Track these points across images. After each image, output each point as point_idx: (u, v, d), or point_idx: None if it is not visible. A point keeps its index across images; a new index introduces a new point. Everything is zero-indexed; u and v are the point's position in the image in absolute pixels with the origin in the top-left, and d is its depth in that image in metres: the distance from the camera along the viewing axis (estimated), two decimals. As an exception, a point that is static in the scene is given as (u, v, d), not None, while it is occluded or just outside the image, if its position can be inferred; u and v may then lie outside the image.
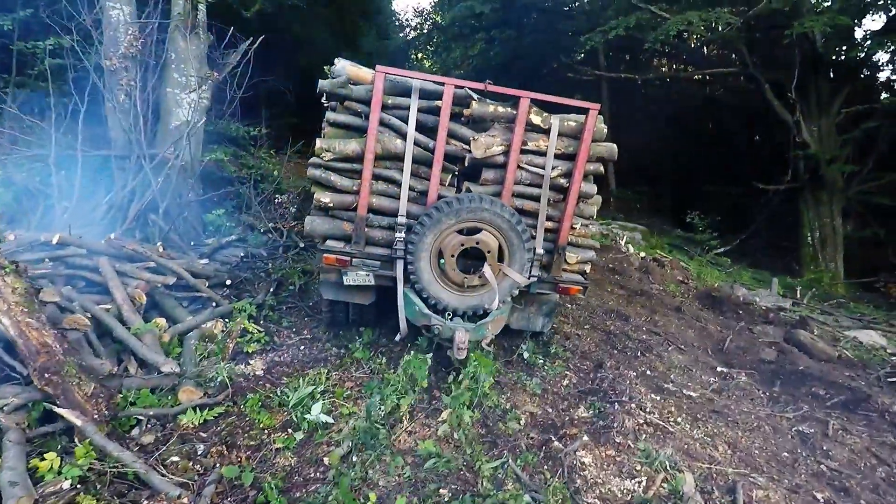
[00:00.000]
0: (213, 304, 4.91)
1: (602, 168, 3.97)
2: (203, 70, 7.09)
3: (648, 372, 5.27)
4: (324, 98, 3.92)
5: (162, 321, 4.18)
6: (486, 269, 3.66)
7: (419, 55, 21.74)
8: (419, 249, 3.58)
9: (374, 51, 17.75)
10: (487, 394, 3.68)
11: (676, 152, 20.60)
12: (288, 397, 3.50)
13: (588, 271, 4.17)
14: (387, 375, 3.77)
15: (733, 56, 15.88)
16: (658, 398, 4.55)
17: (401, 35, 21.23)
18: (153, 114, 6.85)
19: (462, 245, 3.62)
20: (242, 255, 6.40)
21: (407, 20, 21.20)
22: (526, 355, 4.79)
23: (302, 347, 4.71)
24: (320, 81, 3.71)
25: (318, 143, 3.64)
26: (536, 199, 3.87)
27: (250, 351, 4.37)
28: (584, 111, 3.68)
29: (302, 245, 7.19)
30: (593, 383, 4.54)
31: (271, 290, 5.63)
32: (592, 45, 12.87)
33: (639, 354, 5.82)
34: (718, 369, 5.92)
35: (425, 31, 20.80)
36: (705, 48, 15.94)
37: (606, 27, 11.93)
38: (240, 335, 4.44)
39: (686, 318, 7.71)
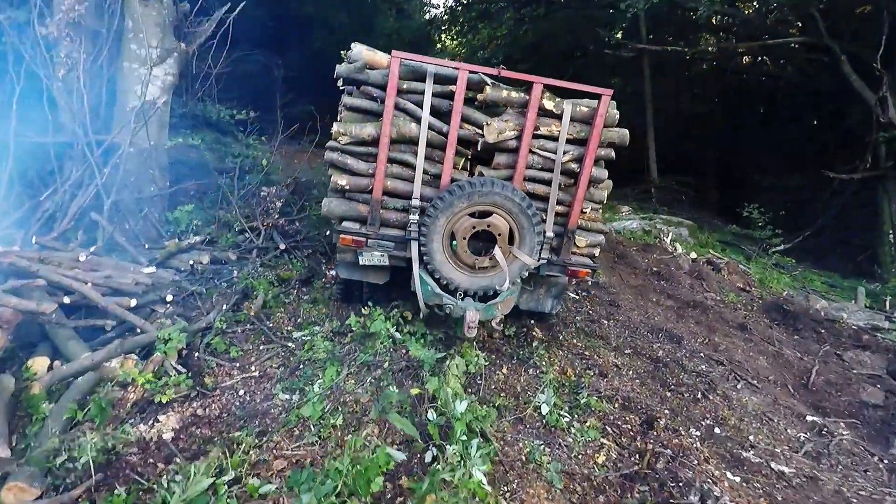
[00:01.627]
0: (138, 330, 3.68)
1: (613, 153, 3.95)
2: (168, 41, 5.87)
3: (717, 429, 3.79)
4: (340, 82, 3.92)
5: (40, 363, 2.97)
6: (497, 252, 3.71)
7: (442, 37, 20.16)
8: (432, 231, 3.64)
9: (394, 32, 16.39)
10: (478, 492, 2.30)
11: (726, 137, 18.42)
12: (169, 498, 2.20)
13: (597, 255, 4.20)
14: (328, 464, 2.43)
15: (797, 26, 13.72)
16: (738, 480, 3.08)
17: (423, 15, 19.65)
18: (109, 93, 5.67)
19: (474, 228, 3.66)
20: (205, 260, 5.18)
21: None
22: (545, 410, 3.38)
23: (242, 392, 3.45)
24: (337, 66, 3.75)
25: (335, 126, 3.67)
26: (548, 183, 3.87)
27: (165, 401, 3.13)
28: (597, 97, 3.65)
29: (283, 246, 5.96)
30: (641, 459, 3.09)
31: (226, 306, 4.38)
32: (634, 13, 11.07)
33: (699, 396, 4.33)
34: (809, 418, 4.37)
35: (448, 9, 19.21)
36: (766, 15, 13.72)
37: (651, -9, 10.16)
38: (155, 378, 3.18)
39: (754, 340, 6.10)
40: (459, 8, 19.11)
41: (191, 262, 4.86)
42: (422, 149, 3.67)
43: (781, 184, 15.24)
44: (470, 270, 3.83)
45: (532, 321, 5.14)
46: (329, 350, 4.05)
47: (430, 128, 3.67)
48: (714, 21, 16.13)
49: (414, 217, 3.70)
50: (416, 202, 3.71)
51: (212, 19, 6.34)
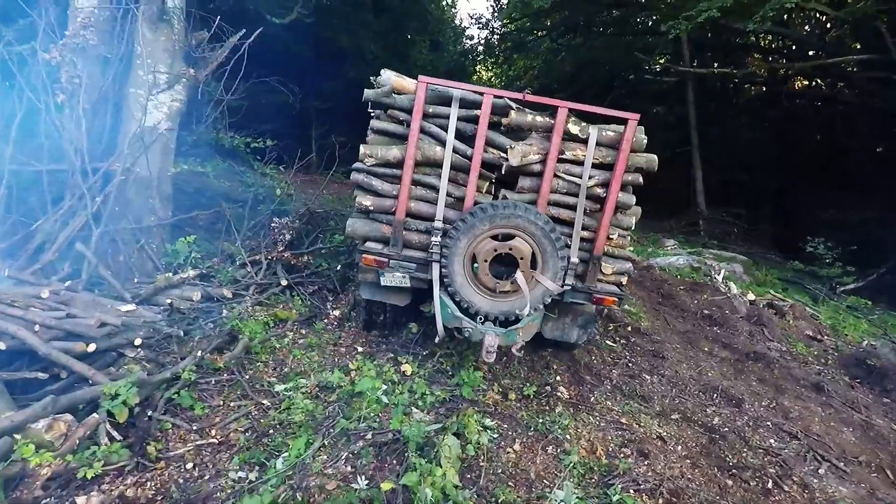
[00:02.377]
0: (90, 383, 3.13)
1: (641, 179, 3.84)
2: (177, 67, 5.58)
3: (800, 541, 2.79)
4: (369, 107, 3.94)
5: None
6: (519, 276, 3.63)
7: (478, 67, 19.89)
8: (453, 253, 3.61)
9: (428, 64, 16.19)
10: None
11: (779, 167, 16.99)
12: None
13: (624, 283, 4.04)
14: None
15: (856, 44, 12.49)
16: None
17: (457, 47, 19.49)
18: (116, 120, 5.41)
19: (495, 250, 3.60)
20: (196, 296, 4.67)
21: (463, 29, 19.38)
22: (564, 512, 2.54)
23: (191, 465, 2.80)
24: (366, 91, 3.81)
25: (362, 148, 3.73)
26: (573, 208, 3.79)
27: (90, 476, 2.49)
28: (624, 121, 3.59)
29: (285, 282, 5.39)
30: None
31: (204, 352, 3.79)
32: (677, 35, 10.28)
33: (770, 485, 3.35)
34: (922, 523, 3.27)
35: (483, 41, 18.99)
36: (823, 34, 12.58)
37: (695, 10, 9.37)
38: (83, 445, 2.58)
39: (833, 405, 5.00)
40: (495, 39, 18.85)
41: (168, 301, 4.32)
42: (446, 171, 3.67)
43: (846, 217, 13.67)
44: (491, 294, 3.72)
45: (558, 378, 4.30)
46: (309, 411, 3.37)
47: (455, 151, 3.68)
48: (762, 43, 15.08)
49: (436, 239, 3.66)
50: (438, 224, 3.69)
51: (225, 45, 6.03)
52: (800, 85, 17.64)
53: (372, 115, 3.96)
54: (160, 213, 5.57)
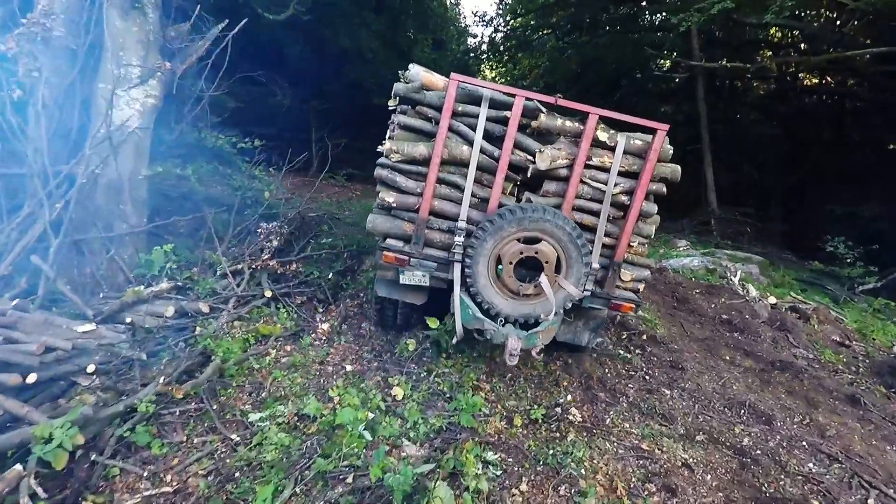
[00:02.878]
0: (26, 422, 2.66)
1: (664, 189, 3.83)
2: (151, 60, 5.12)
3: None
4: (393, 102, 3.94)
5: None
6: (543, 279, 3.60)
7: (482, 67, 19.34)
8: (478, 254, 3.56)
9: (430, 63, 15.68)
10: None
11: (789, 163, 16.41)
12: None
13: (641, 290, 4.01)
14: None
15: (866, 42, 11.91)
16: None
17: (461, 45, 18.96)
18: (86, 118, 4.95)
19: (521, 253, 3.56)
20: (169, 312, 4.21)
21: (466, 27, 18.87)
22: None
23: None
24: (395, 85, 3.76)
25: (388, 144, 3.65)
26: (596, 214, 3.76)
27: None
28: (652, 131, 3.58)
29: (269, 293, 4.91)
30: None
31: (167, 379, 3.31)
32: (687, 28, 9.76)
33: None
34: None
35: (488, 39, 18.49)
36: (841, 26, 12.01)
37: (707, 2, 8.84)
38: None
39: (872, 419, 4.50)
40: (499, 37, 18.35)
41: (128, 320, 3.84)
42: (472, 171, 3.61)
43: (857, 212, 13.08)
44: (513, 297, 3.70)
45: (569, 397, 3.80)
46: (284, 447, 2.88)
47: (482, 151, 3.63)
48: (773, 38, 14.52)
49: (459, 239, 3.62)
50: (462, 224, 3.64)
51: (206, 37, 5.57)
52: (809, 82, 17.07)
53: (397, 110, 3.91)
54: (132, 219, 5.11)
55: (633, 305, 3.88)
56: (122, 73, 5.02)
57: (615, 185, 3.67)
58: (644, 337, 5.48)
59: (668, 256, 9.34)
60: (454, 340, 3.75)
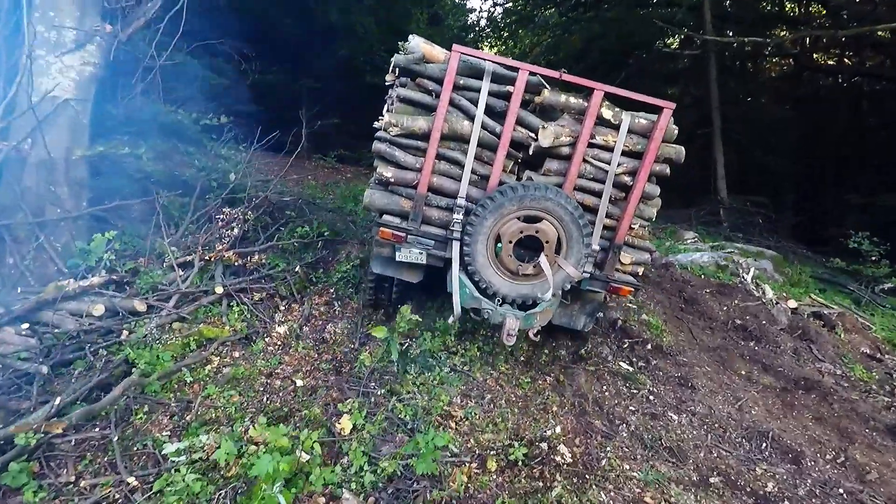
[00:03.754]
0: None
1: (668, 170, 3.65)
2: (89, 22, 4.42)
3: None
4: (391, 76, 3.81)
5: None
6: (543, 259, 3.48)
7: (481, 45, 18.32)
8: (477, 232, 3.43)
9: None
10: None
11: (802, 149, 15.46)
12: None
13: (641, 273, 3.90)
14: None
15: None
16: None
17: (457, 21, 17.92)
18: (8, 86, 4.26)
19: (521, 232, 3.43)
20: (98, 311, 3.56)
21: (464, 1, 17.79)
22: None
23: None
24: (395, 56, 3.58)
25: (386, 116, 3.48)
26: (597, 194, 3.62)
27: None
28: (658, 109, 3.42)
29: (220, 289, 4.25)
30: None
31: (73, 397, 2.66)
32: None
33: None
34: None
35: (486, 13, 17.44)
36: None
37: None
38: None
39: (918, 456, 3.76)
40: (499, 13, 17.29)
41: (24, 326, 3.19)
42: (473, 147, 3.48)
43: (874, 201, 12.21)
44: (512, 276, 3.61)
45: (558, 428, 3.13)
46: (191, 496, 2.21)
47: (484, 127, 3.48)
48: (791, 12, 13.47)
49: (458, 216, 3.52)
50: (461, 201, 3.54)
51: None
52: (824, 62, 16.00)
53: (396, 83, 3.75)
54: (68, 203, 4.43)
55: (632, 289, 3.79)
56: (54, 36, 4.29)
57: (618, 164, 3.52)
58: (649, 346, 4.79)
59: (675, 250, 8.60)
60: (450, 320, 3.70)
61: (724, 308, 6.31)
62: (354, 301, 4.94)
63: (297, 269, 5.14)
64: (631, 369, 4.41)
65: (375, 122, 3.62)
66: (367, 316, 4.64)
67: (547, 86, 3.50)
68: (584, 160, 3.53)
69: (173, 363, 3.35)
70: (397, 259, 3.73)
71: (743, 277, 7.66)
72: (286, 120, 12.69)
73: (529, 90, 3.48)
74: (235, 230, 5.06)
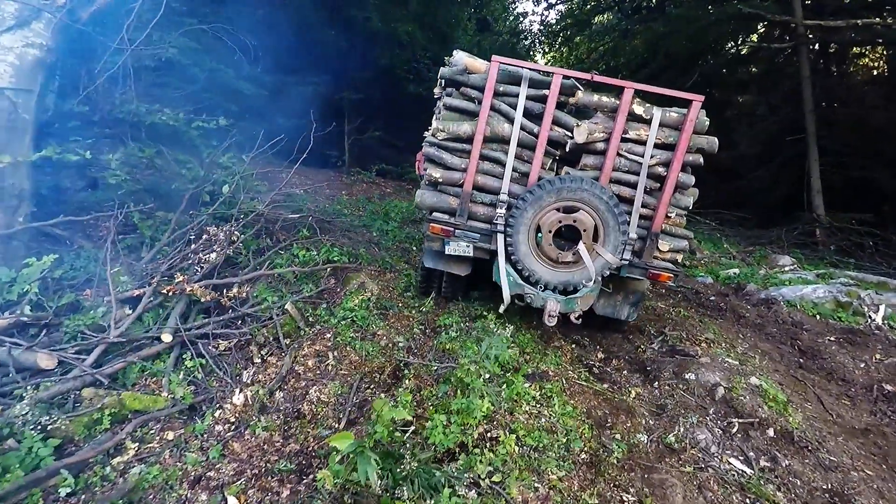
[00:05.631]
0: None
1: (701, 159, 3.92)
2: (36, -5, 3.54)
3: None
4: (438, 89, 4.31)
5: None
6: (581, 247, 3.79)
7: (531, 52, 16.86)
8: (519, 223, 3.81)
9: (473, 46, 13.66)
10: None
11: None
12: None
13: (679, 260, 4.13)
14: None
15: None
16: None
17: (506, 24, 16.59)
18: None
19: (560, 222, 3.79)
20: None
21: (514, 4, 16.45)
22: None
23: None
24: (441, 69, 4.07)
25: (434, 123, 4.01)
26: (633, 186, 3.94)
27: None
28: (688, 103, 3.73)
29: (168, 338, 3.04)
30: None
31: None
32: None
33: None
34: None
35: (540, 18, 16.08)
36: None
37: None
38: None
39: None
40: (552, 17, 15.87)
41: None
42: (513, 147, 3.86)
43: None
44: (552, 264, 3.91)
45: None
46: None
47: (522, 128, 3.89)
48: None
49: (501, 211, 3.90)
50: (504, 197, 3.91)
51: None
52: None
53: (439, 93, 4.30)
54: (17, 218, 3.42)
55: (672, 275, 4.01)
56: (-1, 15, 3.39)
57: (651, 156, 3.79)
58: (771, 432, 3.14)
59: (775, 281, 6.75)
60: (501, 309, 3.99)
61: (862, 365, 4.60)
62: (358, 351, 3.64)
63: (287, 307, 3.88)
64: (749, 471, 2.86)
65: (425, 133, 4.00)
66: (371, 374, 3.33)
67: (580, 87, 3.84)
68: (619, 154, 3.80)
69: (54, 456, 2.12)
70: (446, 252, 4.01)
71: (870, 317, 5.78)
72: (329, 134, 11.80)
73: (564, 92, 3.82)
74: (214, 255, 3.89)
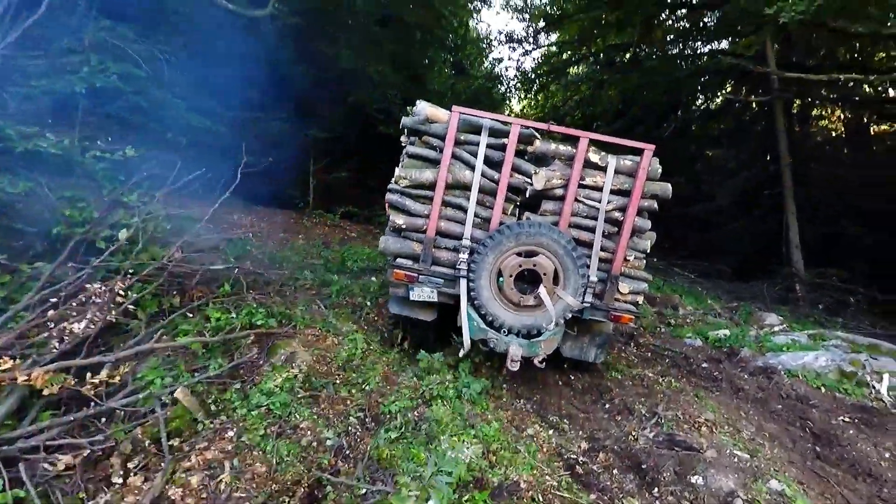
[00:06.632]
0: None
1: (656, 205, 4.20)
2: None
3: None
4: (404, 133, 4.38)
5: None
6: (542, 290, 3.94)
7: (506, 97, 16.73)
8: (481, 268, 3.96)
9: (447, 90, 13.31)
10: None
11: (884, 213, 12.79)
12: None
13: (640, 302, 4.34)
14: None
15: None
16: None
17: (485, 70, 16.47)
18: None
19: (520, 266, 3.98)
20: None
21: (490, 48, 16.39)
22: None
23: None
24: (403, 119, 4.27)
25: (397, 171, 4.15)
26: (592, 230, 4.21)
27: None
28: (640, 151, 4.04)
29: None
30: None
31: None
32: (785, 22, 6.76)
33: None
34: None
35: (515, 63, 16.04)
36: None
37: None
38: None
39: None
40: (528, 64, 15.87)
41: None
42: (474, 194, 4.03)
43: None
44: (515, 308, 4.06)
45: None
46: None
47: (483, 175, 4.08)
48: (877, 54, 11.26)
49: (464, 256, 4.04)
50: (466, 242, 4.07)
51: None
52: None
53: (405, 142, 4.37)
54: None
55: (633, 316, 4.17)
56: None
57: (608, 202, 4.02)
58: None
59: (770, 345, 6.07)
60: (461, 354, 4.13)
61: (879, 451, 3.95)
62: (268, 457, 2.66)
63: (178, 394, 2.89)
64: None
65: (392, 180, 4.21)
66: (279, 495, 2.37)
67: (538, 136, 4.12)
68: (577, 200, 4.03)
69: None
70: (411, 298, 4.09)
71: (874, 387, 5.45)
72: (291, 171, 10.94)
73: (522, 141, 4.06)
74: (83, 324, 2.90)
